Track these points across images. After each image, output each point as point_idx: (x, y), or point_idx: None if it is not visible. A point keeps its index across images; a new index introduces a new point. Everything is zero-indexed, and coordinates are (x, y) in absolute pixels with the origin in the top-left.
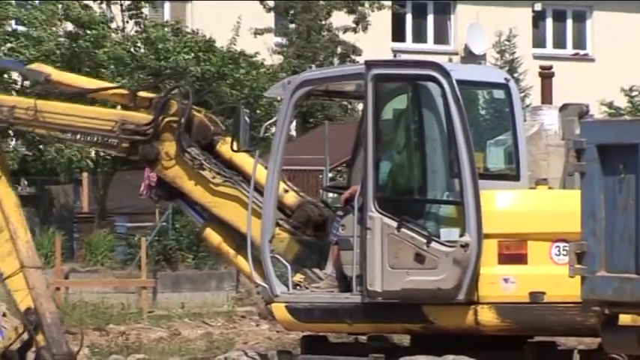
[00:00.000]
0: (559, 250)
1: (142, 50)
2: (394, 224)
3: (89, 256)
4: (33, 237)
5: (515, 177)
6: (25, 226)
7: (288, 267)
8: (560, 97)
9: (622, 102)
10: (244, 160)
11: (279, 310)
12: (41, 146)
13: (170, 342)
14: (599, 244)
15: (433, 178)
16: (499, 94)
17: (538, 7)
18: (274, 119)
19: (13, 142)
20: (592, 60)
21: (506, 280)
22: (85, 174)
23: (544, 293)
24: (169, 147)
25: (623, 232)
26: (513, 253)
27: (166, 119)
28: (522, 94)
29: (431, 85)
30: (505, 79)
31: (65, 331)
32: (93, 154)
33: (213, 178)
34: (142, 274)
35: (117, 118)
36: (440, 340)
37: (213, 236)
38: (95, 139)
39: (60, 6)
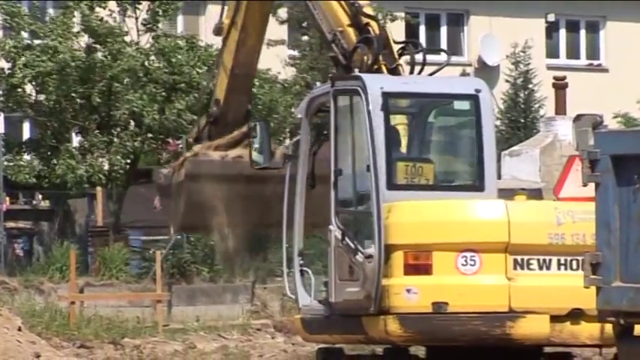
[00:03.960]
0: (465, 260)
1: (156, 64)
2: (339, 236)
3: (104, 269)
4: (49, 251)
5: (479, 187)
6: None
7: (312, 279)
8: (574, 108)
9: (637, 113)
10: None
11: (295, 322)
12: (54, 160)
13: (185, 355)
14: (613, 254)
15: (360, 189)
16: (463, 104)
17: (551, 17)
18: (299, 137)
19: (28, 157)
20: (606, 70)
21: (409, 290)
22: (99, 188)
23: (447, 304)
24: None
25: (638, 242)
26: (418, 263)
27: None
28: (537, 105)
29: (356, 98)
30: (476, 90)
31: (80, 345)
32: (106, 167)
33: None
34: (156, 287)
35: (340, 28)
36: (456, 351)
37: None
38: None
39: (75, 19)
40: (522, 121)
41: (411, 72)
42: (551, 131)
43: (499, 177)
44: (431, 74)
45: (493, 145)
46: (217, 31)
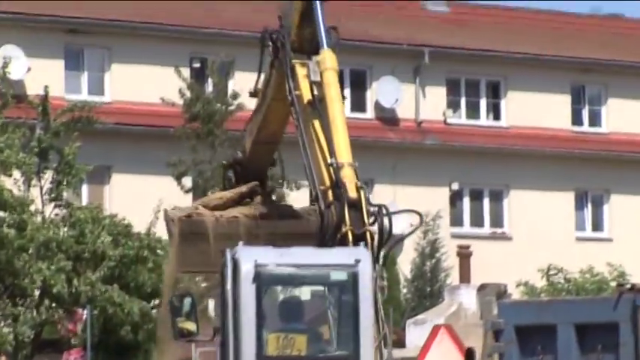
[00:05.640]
0: None
1: (64, 234)
2: None
3: None
4: None
5: (354, 359)
6: None
7: None
8: (479, 276)
9: (539, 281)
10: None
11: None
12: None
13: None
14: None
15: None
16: (340, 275)
17: (455, 186)
18: None
19: None
20: (509, 239)
21: None
22: (3, 358)
23: None
24: None
25: None
26: None
27: None
28: (443, 274)
29: (230, 268)
30: (355, 260)
31: None
32: (11, 337)
33: None
34: None
35: (322, 187)
36: None
37: None
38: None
39: None
40: (429, 289)
41: (380, 239)
42: (456, 300)
43: (403, 345)
44: (402, 238)
45: (370, 316)
46: (253, 94)
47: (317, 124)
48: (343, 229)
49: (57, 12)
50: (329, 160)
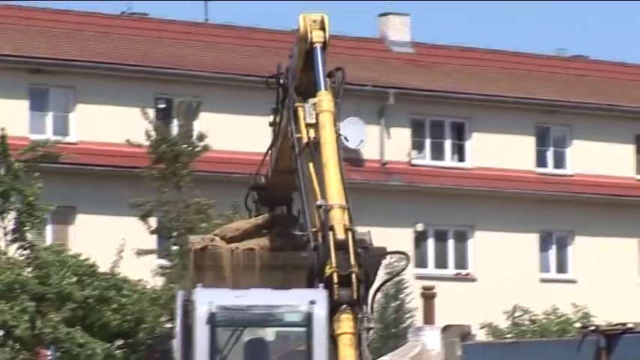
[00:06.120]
0: None
1: (28, 275)
2: None
3: None
4: None
5: None
6: None
7: None
8: (443, 317)
9: (504, 322)
10: None
11: None
12: None
13: None
14: None
15: None
16: (294, 317)
17: (420, 227)
18: None
19: None
20: (474, 280)
21: None
22: None
23: None
24: None
25: None
26: None
27: None
28: (407, 315)
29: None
30: (310, 302)
31: None
32: None
33: None
34: None
35: (314, 229)
36: None
37: None
38: None
39: None
40: (393, 330)
41: (366, 280)
42: (420, 341)
43: None
44: (390, 279)
45: (324, 357)
46: (271, 124)
47: (311, 166)
48: (328, 271)
49: (21, 52)
50: (318, 202)
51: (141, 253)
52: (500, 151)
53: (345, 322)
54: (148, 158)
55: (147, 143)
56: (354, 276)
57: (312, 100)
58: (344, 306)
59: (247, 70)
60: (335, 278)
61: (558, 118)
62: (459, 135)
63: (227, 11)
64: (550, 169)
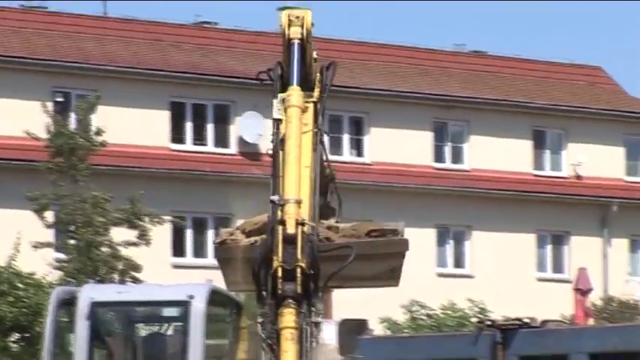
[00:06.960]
0: None
1: None
2: None
3: None
4: None
5: None
6: None
7: None
8: (341, 312)
9: (402, 317)
10: None
11: None
12: None
13: None
14: None
15: None
16: (171, 311)
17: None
18: None
19: None
20: None
21: None
22: None
23: None
24: None
25: None
26: None
27: None
28: None
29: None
30: (189, 296)
31: None
32: None
33: None
34: None
35: None
36: None
37: None
38: None
39: None
40: None
41: (315, 274)
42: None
43: None
44: (336, 272)
45: (198, 352)
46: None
47: (276, 161)
48: (275, 264)
49: None
50: (271, 197)
51: (37, 246)
52: (398, 147)
53: (288, 317)
54: (45, 152)
55: (45, 137)
56: (298, 270)
57: (281, 96)
58: (288, 300)
59: (147, 64)
60: (279, 272)
61: (456, 113)
62: (357, 130)
63: (126, 5)
64: (448, 164)
